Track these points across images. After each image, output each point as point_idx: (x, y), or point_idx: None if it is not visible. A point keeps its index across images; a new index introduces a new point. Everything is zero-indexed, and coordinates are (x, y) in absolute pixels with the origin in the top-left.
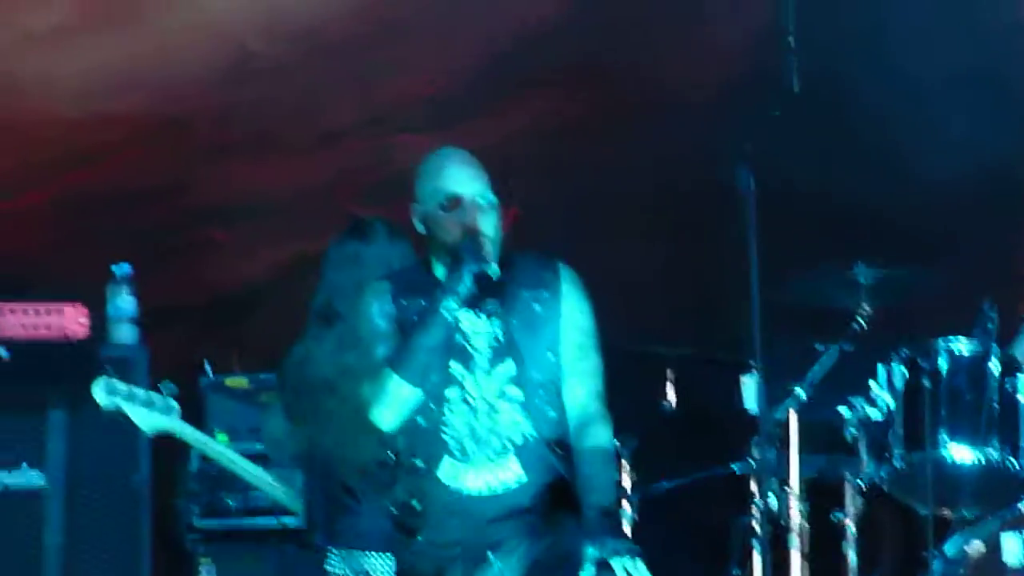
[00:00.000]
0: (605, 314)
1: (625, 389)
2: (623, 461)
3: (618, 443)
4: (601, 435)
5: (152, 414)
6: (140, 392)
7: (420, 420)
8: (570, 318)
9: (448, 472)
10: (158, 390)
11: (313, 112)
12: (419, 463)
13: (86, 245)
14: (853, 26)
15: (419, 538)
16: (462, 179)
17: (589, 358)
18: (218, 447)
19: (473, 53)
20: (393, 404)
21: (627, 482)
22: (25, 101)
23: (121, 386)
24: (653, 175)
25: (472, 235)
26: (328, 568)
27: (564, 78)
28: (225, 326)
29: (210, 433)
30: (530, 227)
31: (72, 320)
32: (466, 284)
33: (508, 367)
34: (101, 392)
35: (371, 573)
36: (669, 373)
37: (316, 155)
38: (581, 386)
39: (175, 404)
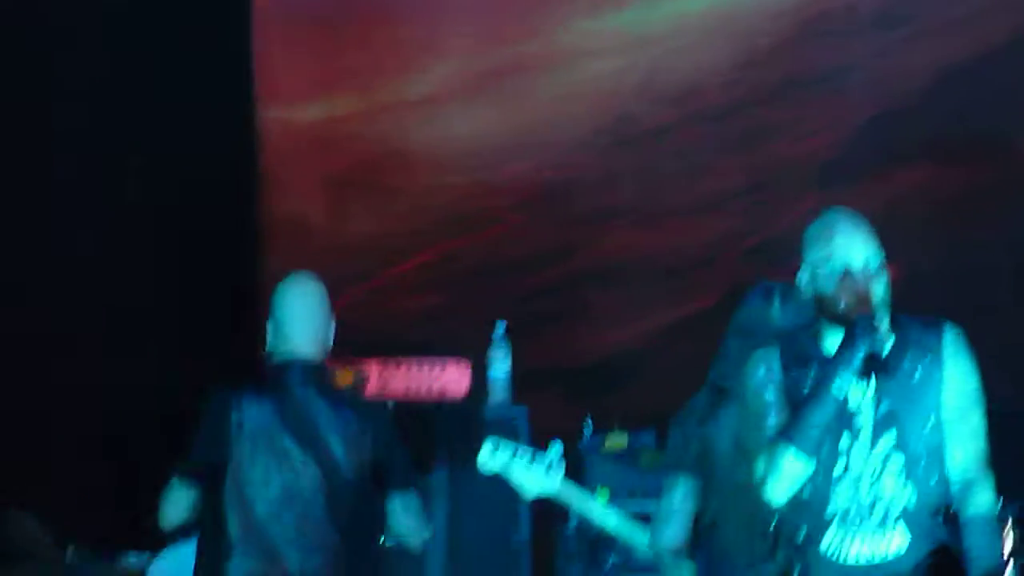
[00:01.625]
0: (986, 377)
1: (1008, 451)
2: (1008, 524)
3: (1001, 506)
4: (984, 500)
5: (536, 475)
6: (526, 453)
7: (805, 493)
8: (951, 381)
9: (831, 544)
10: (544, 449)
11: (695, 175)
12: (802, 535)
13: (468, 310)
14: None
15: None
16: (853, 246)
17: (970, 421)
18: (600, 511)
19: (855, 120)
20: (786, 479)
21: (1010, 545)
22: (413, 167)
23: (508, 446)
24: None
25: (866, 310)
26: None
27: (939, 151)
28: (603, 390)
29: (590, 490)
30: (910, 293)
31: (453, 378)
32: (859, 361)
33: (890, 438)
34: (487, 452)
35: None
36: None
37: (698, 219)
38: (962, 449)
39: (560, 465)
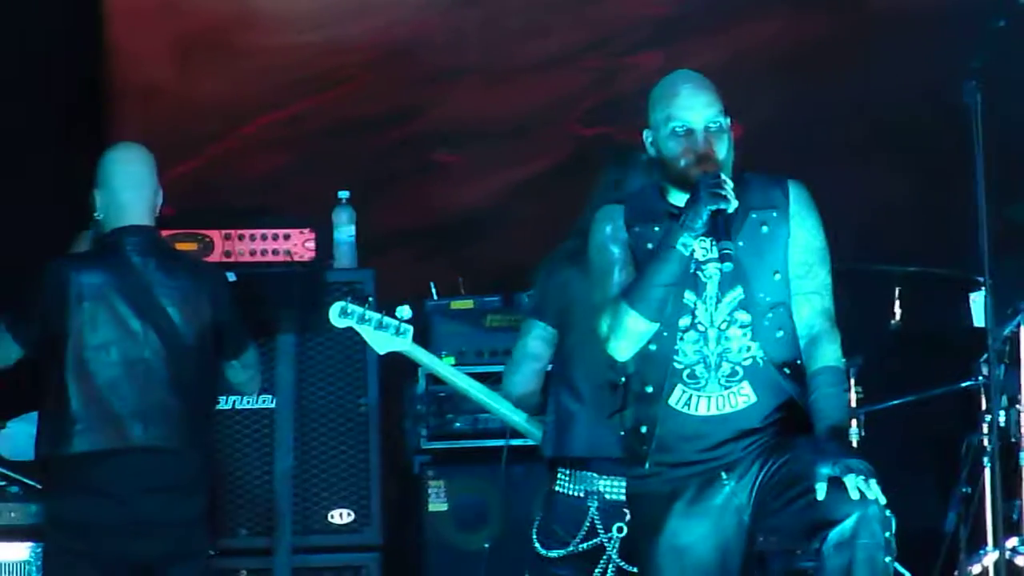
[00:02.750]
0: (833, 233)
1: (853, 307)
2: (851, 379)
3: (845, 361)
4: (829, 354)
5: (385, 336)
6: (374, 315)
7: (652, 347)
8: (797, 237)
9: (679, 398)
10: (392, 314)
11: (541, 34)
12: (649, 389)
13: (316, 170)
14: None
15: (646, 465)
16: (695, 106)
17: (817, 276)
18: (449, 369)
19: None
20: (629, 337)
21: (854, 400)
22: (260, 29)
23: (356, 309)
24: (882, 94)
25: (709, 169)
26: (558, 488)
27: (788, 1)
28: (451, 249)
29: (436, 355)
30: (757, 146)
31: (299, 245)
32: (703, 221)
33: (737, 293)
34: (336, 315)
35: (602, 493)
36: (897, 291)
37: (543, 77)
38: (808, 305)
39: (408, 327)
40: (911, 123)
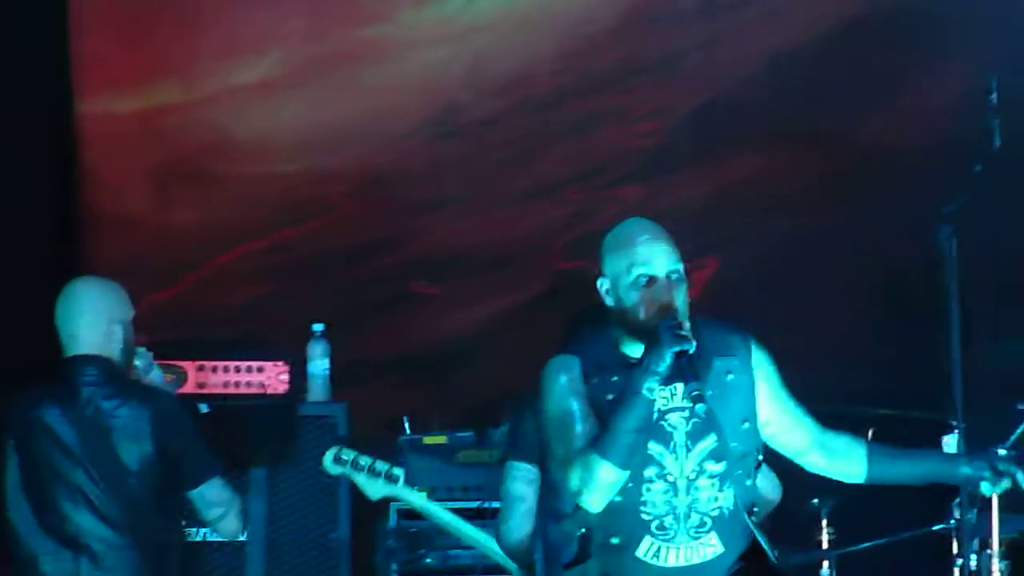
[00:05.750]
0: (808, 375)
1: None
2: (823, 520)
3: (817, 502)
4: (855, 439)
5: (377, 482)
6: (366, 460)
7: (617, 499)
8: (767, 379)
9: (647, 550)
10: (386, 459)
11: (521, 165)
12: (615, 540)
13: (295, 300)
14: None
15: None
16: (655, 255)
17: (796, 406)
18: (443, 512)
19: (684, 107)
20: (602, 488)
21: (826, 541)
22: (239, 158)
23: (348, 455)
24: (857, 236)
25: (669, 313)
26: None
27: (770, 139)
28: (427, 382)
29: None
30: (736, 282)
31: (273, 377)
32: (667, 364)
33: (709, 442)
34: (329, 462)
35: None
36: (870, 432)
37: (524, 209)
38: (803, 424)
39: (399, 470)
40: (888, 263)
